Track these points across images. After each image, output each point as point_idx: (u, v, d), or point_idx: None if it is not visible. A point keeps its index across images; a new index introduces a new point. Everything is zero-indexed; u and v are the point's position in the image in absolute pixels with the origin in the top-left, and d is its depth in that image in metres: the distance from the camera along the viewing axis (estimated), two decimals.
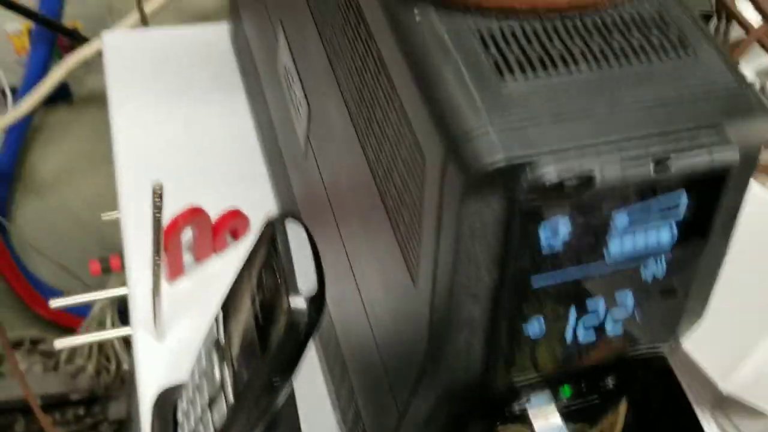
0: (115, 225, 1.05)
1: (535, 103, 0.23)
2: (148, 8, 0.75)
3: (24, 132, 0.90)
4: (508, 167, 0.22)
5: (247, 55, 0.61)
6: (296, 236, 0.31)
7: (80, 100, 0.93)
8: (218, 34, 0.70)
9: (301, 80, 0.41)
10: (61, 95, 0.89)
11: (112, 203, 1.07)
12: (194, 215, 0.51)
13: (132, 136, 0.63)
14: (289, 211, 0.32)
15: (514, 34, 0.24)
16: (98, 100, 0.95)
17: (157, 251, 0.42)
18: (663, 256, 0.27)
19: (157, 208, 0.39)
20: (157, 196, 0.38)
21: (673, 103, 0.24)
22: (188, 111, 0.64)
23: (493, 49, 0.24)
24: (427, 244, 0.26)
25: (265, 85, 0.55)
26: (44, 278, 1.11)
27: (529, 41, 0.24)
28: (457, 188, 0.23)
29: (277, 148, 0.54)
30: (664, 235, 0.27)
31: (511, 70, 0.23)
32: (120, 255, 0.60)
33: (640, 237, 0.26)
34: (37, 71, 0.81)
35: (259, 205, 0.58)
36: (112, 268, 0.62)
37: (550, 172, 0.22)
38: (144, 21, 0.74)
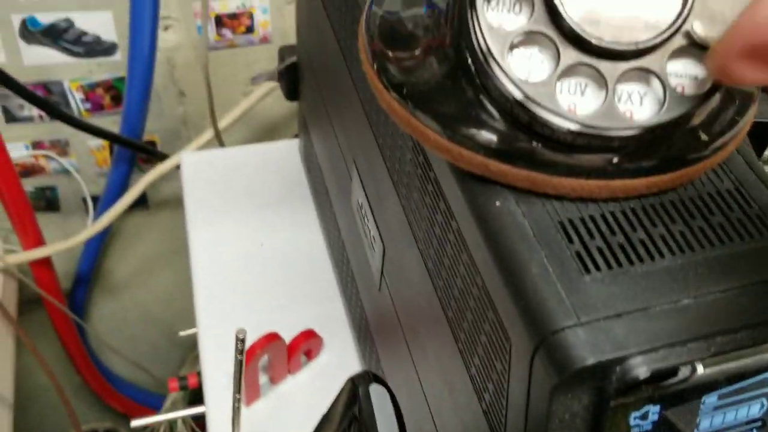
0: (183, 321, 1.08)
1: (620, 296, 0.23)
2: (222, 124, 0.79)
3: (103, 239, 0.94)
4: (599, 366, 0.22)
5: (317, 172, 0.64)
6: (380, 398, 0.31)
7: (155, 205, 0.97)
8: (289, 149, 0.73)
9: (375, 221, 0.42)
10: (138, 202, 0.93)
11: (181, 300, 1.10)
12: (270, 341, 0.52)
13: (209, 253, 0.65)
14: (371, 372, 0.33)
15: (595, 223, 0.25)
16: (172, 205, 0.99)
17: (238, 389, 0.43)
18: (755, 426, 0.27)
19: (240, 352, 0.40)
20: (240, 341, 0.39)
21: (758, 290, 0.24)
22: (261, 226, 0.67)
23: (575, 240, 0.25)
24: (514, 423, 0.26)
25: (335, 208, 0.57)
26: (118, 372, 1.14)
27: (611, 229, 0.25)
28: (547, 384, 0.23)
29: (349, 270, 0.55)
30: (754, 408, 0.26)
31: (594, 262, 0.24)
32: (197, 373, 0.62)
33: (731, 413, 0.26)
34: (118, 185, 0.85)
35: (332, 324, 0.59)
36: (189, 385, 0.63)
37: (640, 370, 0.22)
38: (218, 137, 0.78)
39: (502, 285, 0.25)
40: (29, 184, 0.90)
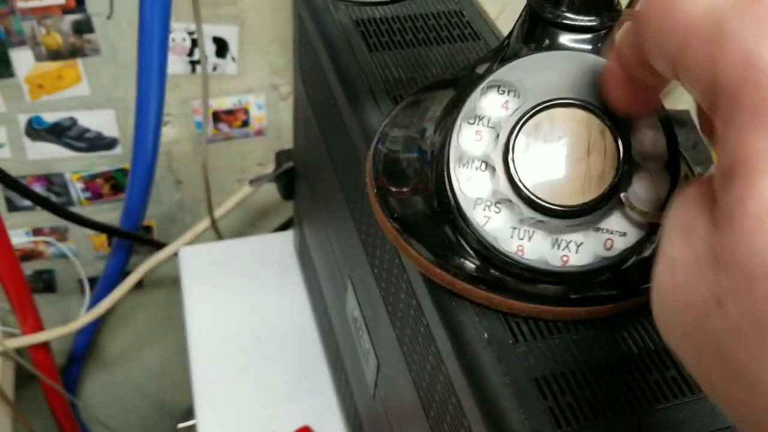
0: (174, 393, 1.09)
1: None
2: (218, 213, 0.83)
3: (98, 320, 0.97)
4: None
5: (311, 270, 0.67)
6: None
7: (149, 284, 1.00)
8: (284, 240, 0.77)
9: (371, 338, 0.46)
10: None
11: (172, 373, 1.12)
12: None
13: (208, 346, 0.69)
14: None
15: (565, 379, 0.29)
16: (165, 284, 1.02)
17: None
18: None
19: None
20: None
21: None
22: (258, 319, 0.70)
23: (549, 397, 0.29)
24: None
25: (330, 309, 0.61)
26: None
27: (579, 385, 0.29)
28: None
29: (343, 370, 0.59)
30: None
31: (565, 418, 0.28)
32: None
33: None
34: (117, 270, 0.89)
35: (328, 417, 0.63)
36: None
37: None
38: (215, 227, 0.82)
39: (473, 404, 0.29)
40: (27, 268, 0.93)
